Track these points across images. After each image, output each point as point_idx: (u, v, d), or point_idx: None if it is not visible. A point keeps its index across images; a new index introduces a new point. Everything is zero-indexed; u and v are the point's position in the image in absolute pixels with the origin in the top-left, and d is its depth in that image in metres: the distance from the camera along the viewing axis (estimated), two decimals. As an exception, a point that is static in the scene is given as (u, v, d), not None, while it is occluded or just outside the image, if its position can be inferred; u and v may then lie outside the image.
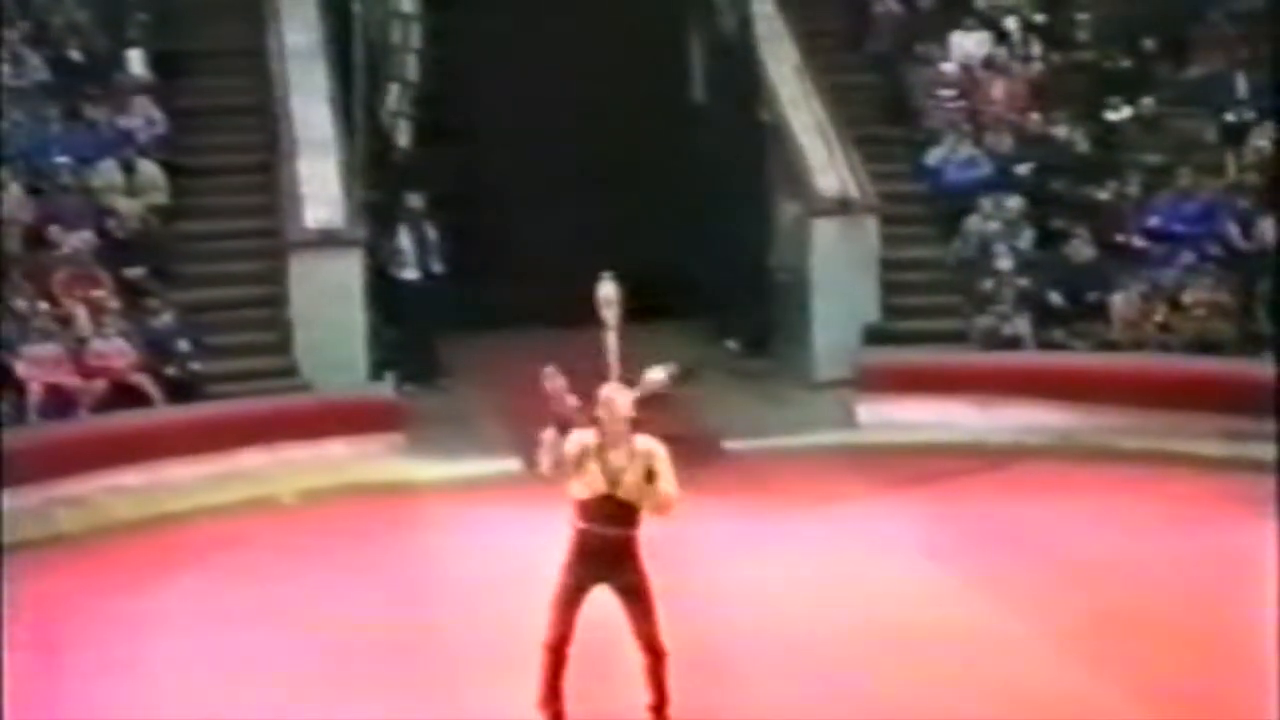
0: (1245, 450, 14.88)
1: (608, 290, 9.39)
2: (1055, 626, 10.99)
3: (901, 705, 9.84)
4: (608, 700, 9.59)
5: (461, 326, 18.43)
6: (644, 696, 9.17)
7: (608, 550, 9.08)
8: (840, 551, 12.82)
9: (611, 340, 9.36)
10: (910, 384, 16.59)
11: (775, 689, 10.10)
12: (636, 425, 9.07)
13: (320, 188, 17.49)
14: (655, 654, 9.17)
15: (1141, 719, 9.61)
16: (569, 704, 9.19)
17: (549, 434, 9.05)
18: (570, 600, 9.15)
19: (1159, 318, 16.93)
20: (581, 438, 9.10)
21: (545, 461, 9.08)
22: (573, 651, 9.13)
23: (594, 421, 9.07)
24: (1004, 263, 17.53)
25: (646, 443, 9.12)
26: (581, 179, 19.77)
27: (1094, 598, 11.50)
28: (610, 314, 9.58)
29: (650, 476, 9.03)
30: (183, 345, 16.16)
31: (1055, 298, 17.37)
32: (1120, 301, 17.14)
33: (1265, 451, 14.64)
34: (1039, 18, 20.76)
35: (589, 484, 9.03)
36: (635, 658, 9.17)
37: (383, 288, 17.63)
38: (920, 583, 12.05)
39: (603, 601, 9.14)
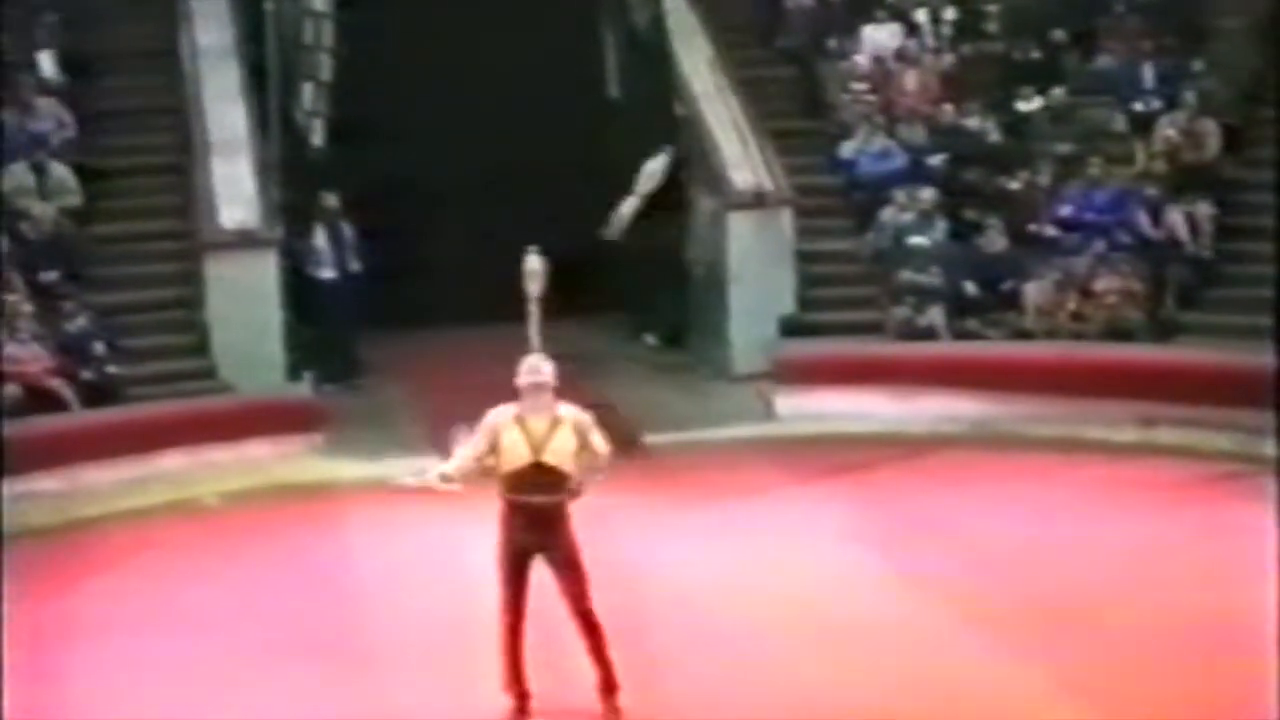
0: (1157, 437, 15.10)
1: (533, 263, 9.49)
2: (973, 613, 11.09)
3: (821, 692, 9.91)
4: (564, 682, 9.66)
5: (379, 325, 18.40)
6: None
7: (539, 519, 9.14)
8: (760, 542, 12.88)
9: (534, 311, 9.46)
10: (827, 375, 16.71)
11: (696, 678, 10.15)
12: (558, 394, 9.16)
13: (235, 188, 17.41)
14: (591, 628, 9.23)
15: (1059, 704, 9.71)
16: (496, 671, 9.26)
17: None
18: (514, 575, 9.21)
19: (1071, 306, 17.07)
20: (495, 414, 9.16)
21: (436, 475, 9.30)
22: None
23: (516, 392, 9.13)
24: (918, 255, 17.67)
25: (570, 410, 9.19)
26: (497, 176, 19.76)
27: (1010, 584, 11.62)
28: (534, 286, 9.70)
29: (583, 445, 9.09)
30: (98, 348, 16.03)
31: (969, 288, 17.50)
32: (1033, 291, 17.29)
33: (1175, 437, 14.89)
34: (949, 10, 20.89)
35: (512, 455, 9.07)
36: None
37: (300, 287, 17.58)
38: (840, 571, 12.15)
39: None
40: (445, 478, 9.35)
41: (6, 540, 13.59)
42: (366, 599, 11.97)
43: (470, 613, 10.87)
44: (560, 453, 9.10)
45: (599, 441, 9.27)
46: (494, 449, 9.17)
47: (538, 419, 9.11)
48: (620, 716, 9.40)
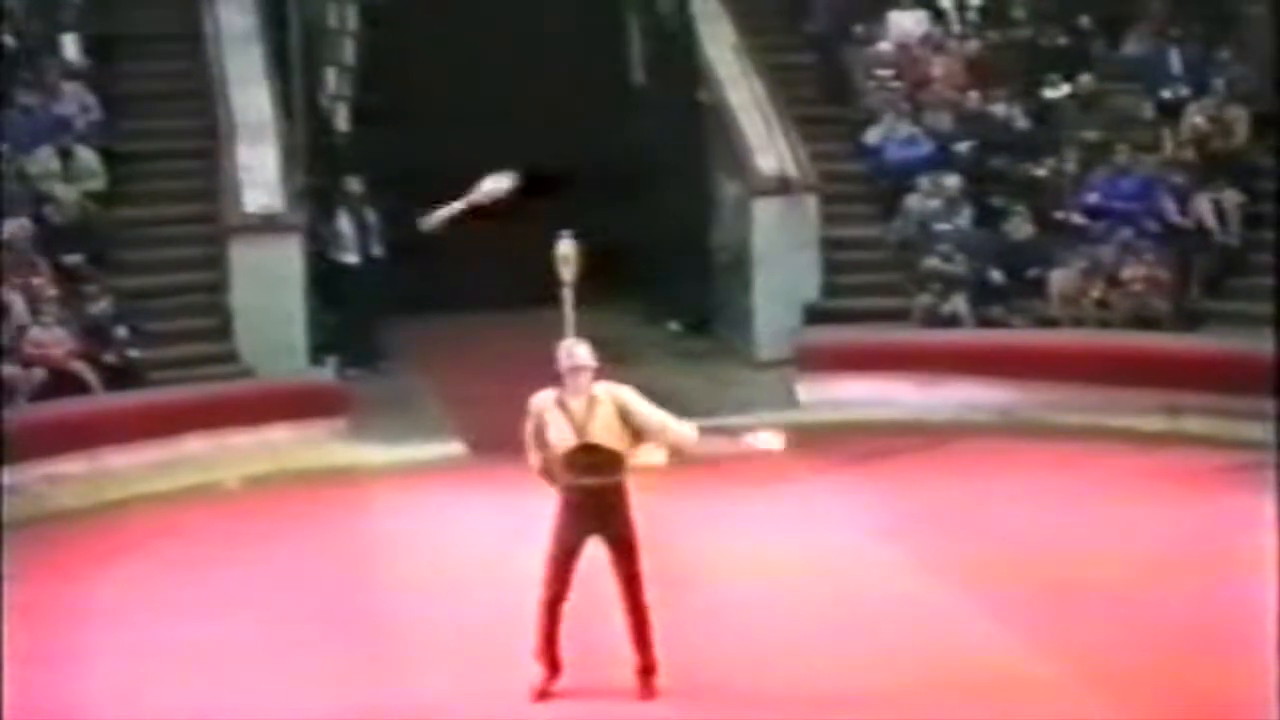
0: (1183, 425, 15.03)
1: (565, 248, 9.46)
2: (996, 602, 11.03)
3: (843, 677, 9.86)
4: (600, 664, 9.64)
5: (402, 310, 18.41)
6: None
7: (595, 501, 9.13)
8: (783, 529, 12.84)
9: (568, 296, 9.46)
10: (851, 363, 16.67)
11: (716, 662, 10.11)
12: (598, 375, 9.15)
13: (259, 173, 17.44)
14: (638, 611, 9.23)
15: (1083, 693, 9.66)
16: (518, 657, 9.25)
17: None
18: (565, 556, 9.19)
19: (1097, 294, 17.02)
20: (537, 400, 9.19)
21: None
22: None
23: (556, 378, 9.13)
24: (943, 241, 17.62)
25: (605, 386, 9.18)
26: (520, 162, 19.70)
27: (1035, 573, 11.55)
28: (567, 271, 9.70)
29: (626, 419, 9.06)
30: (122, 332, 16.06)
31: (994, 275, 17.44)
32: (1059, 278, 17.23)
33: (1202, 426, 14.82)
34: (976, -4, 20.85)
35: (558, 439, 9.10)
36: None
37: (323, 272, 17.60)
38: (862, 559, 12.10)
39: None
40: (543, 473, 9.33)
41: (29, 523, 13.63)
42: (389, 583, 11.95)
43: (494, 595, 10.88)
44: (604, 431, 9.11)
45: (651, 417, 9.23)
46: (541, 435, 9.21)
47: (577, 401, 9.13)
48: (656, 696, 9.39)
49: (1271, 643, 9.39)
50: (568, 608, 9.30)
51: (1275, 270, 16.08)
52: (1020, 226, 17.75)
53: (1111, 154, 18.35)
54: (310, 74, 18.09)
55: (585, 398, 9.14)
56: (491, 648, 10.12)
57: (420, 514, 13.75)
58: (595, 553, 9.35)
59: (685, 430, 9.38)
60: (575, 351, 9.23)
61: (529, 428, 9.30)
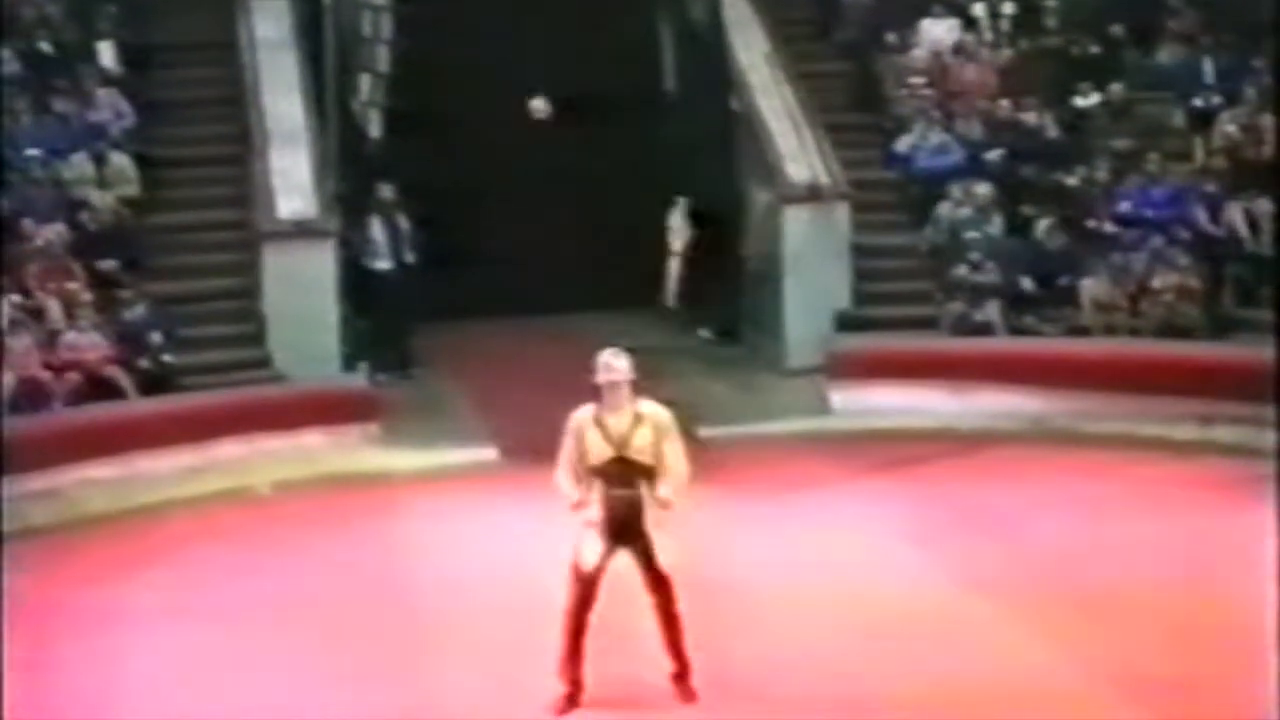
0: (1215, 434, 15.01)
1: (676, 217, 9.40)
2: (1027, 610, 11.05)
3: (872, 684, 9.89)
4: (626, 667, 9.69)
5: (434, 316, 18.45)
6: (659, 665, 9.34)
7: (627, 512, 9.15)
8: (814, 536, 12.85)
9: (674, 265, 9.30)
10: (882, 370, 16.66)
11: (747, 666, 10.15)
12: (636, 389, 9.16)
13: (292, 179, 17.50)
14: (670, 620, 9.25)
15: (1112, 702, 9.67)
16: (552, 661, 9.28)
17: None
18: (593, 572, 9.23)
19: (1129, 302, 17.00)
20: (576, 418, 9.19)
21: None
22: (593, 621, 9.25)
23: (595, 392, 9.13)
24: (974, 249, 17.62)
25: (651, 407, 9.19)
26: (553, 169, 19.78)
27: (1066, 582, 11.56)
28: (677, 242, 9.51)
29: (659, 445, 9.10)
30: (155, 337, 16.13)
31: (1026, 283, 17.43)
32: (1090, 286, 17.21)
33: (1235, 435, 14.77)
34: (1008, 4, 20.81)
35: (595, 452, 9.10)
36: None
37: (356, 278, 17.64)
38: (893, 566, 12.11)
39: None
40: (579, 504, 9.30)
41: (62, 527, 13.72)
42: (420, 587, 12.00)
43: (524, 602, 10.91)
44: (643, 450, 9.13)
45: (675, 456, 9.25)
46: (580, 452, 9.23)
47: (617, 418, 9.14)
48: (694, 698, 9.43)
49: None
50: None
51: (1275, 281, 16.07)
52: (1052, 235, 17.73)
53: (1143, 163, 18.33)
54: (344, 81, 18.12)
55: (629, 415, 9.13)
56: (523, 652, 10.15)
57: (452, 519, 13.79)
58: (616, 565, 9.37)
59: (683, 486, 9.34)
60: (614, 365, 9.20)
61: (568, 444, 9.27)
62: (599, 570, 9.24)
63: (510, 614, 11.00)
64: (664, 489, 9.22)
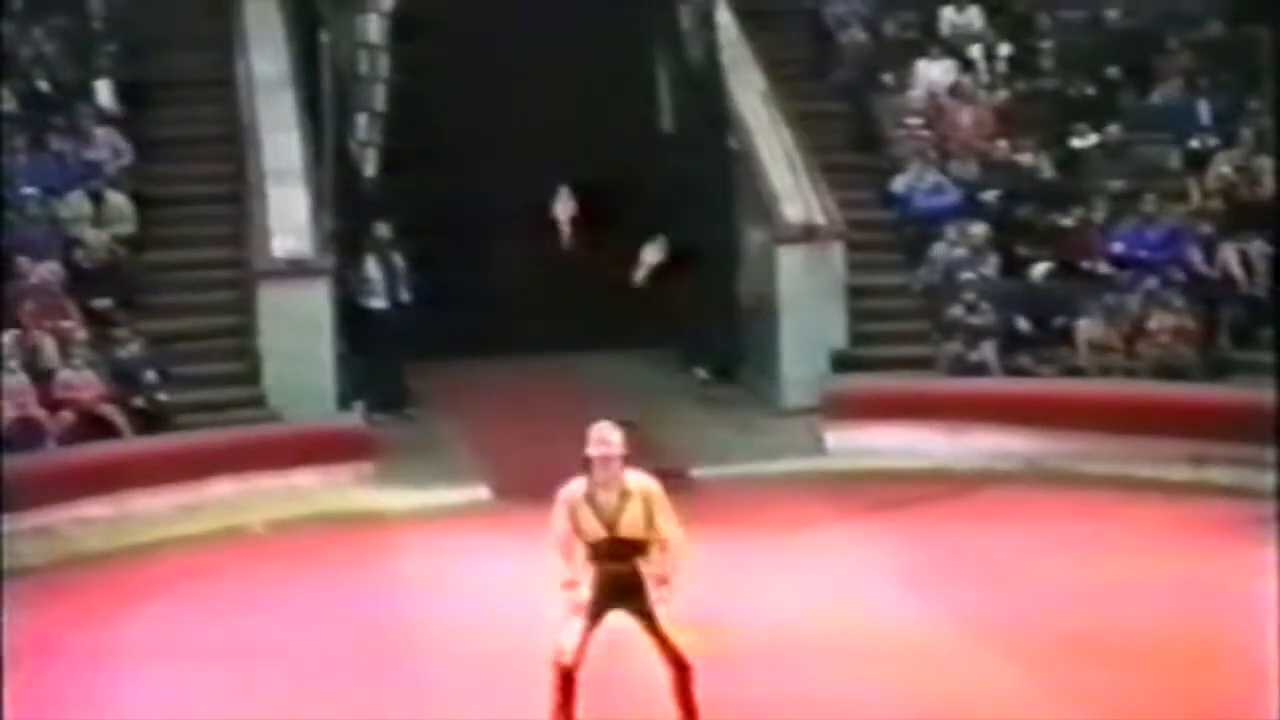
0: (1210, 475, 15.00)
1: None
2: (1022, 651, 11.01)
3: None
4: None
5: (429, 355, 18.44)
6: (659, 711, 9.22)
7: (620, 583, 9.09)
8: (810, 577, 12.82)
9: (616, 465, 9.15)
10: (878, 410, 16.65)
11: (743, 708, 10.10)
12: (626, 461, 9.08)
13: (288, 217, 17.53)
14: (681, 668, 9.17)
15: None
16: (544, 702, 9.20)
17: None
18: (585, 631, 9.11)
19: (1124, 343, 17.01)
20: (565, 493, 9.09)
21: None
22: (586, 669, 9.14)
23: (585, 465, 9.04)
24: (969, 290, 17.64)
25: (639, 480, 9.11)
26: (549, 208, 19.81)
27: (1060, 623, 11.52)
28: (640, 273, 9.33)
29: (650, 518, 9.05)
30: (150, 376, 16.14)
31: (1021, 324, 17.44)
32: (1085, 327, 17.22)
33: (1229, 476, 14.76)
34: (1004, 46, 20.88)
35: (587, 530, 9.04)
36: (645, 673, 9.26)
37: (351, 317, 17.65)
38: (888, 607, 12.08)
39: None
40: (569, 584, 9.23)
41: (57, 565, 13.70)
42: (414, 628, 11.96)
43: (517, 644, 10.86)
44: (632, 525, 9.07)
45: (668, 525, 9.16)
46: (573, 524, 9.11)
47: (607, 494, 9.02)
48: None
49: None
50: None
51: (1274, 322, 16.09)
52: (1048, 279, 17.74)
53: (1139, 203, 18.37)
54: (341, 120, 18.16)
55: (617, 491, 9.04)
56: (513, 695, 10.12)
57: (446, 558, 13.77)
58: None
59: (684, 550, 9.25)
60: (608, 439, 9.06)
61: (560, 516, 9.12)
62: (576, 663, 9.14)
63: (503, 655, 10.96)
64: (661, 565, 9.13)
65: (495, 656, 11.05)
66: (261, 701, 10.59)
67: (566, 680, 9.14)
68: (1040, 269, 17.84)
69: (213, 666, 11.21)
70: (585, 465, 9.04)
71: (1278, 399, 14.47)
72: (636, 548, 9.10)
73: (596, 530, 9.04)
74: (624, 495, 9.04)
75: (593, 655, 9.13)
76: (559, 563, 9.19)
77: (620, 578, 9.11)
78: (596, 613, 9.18)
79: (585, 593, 9.13)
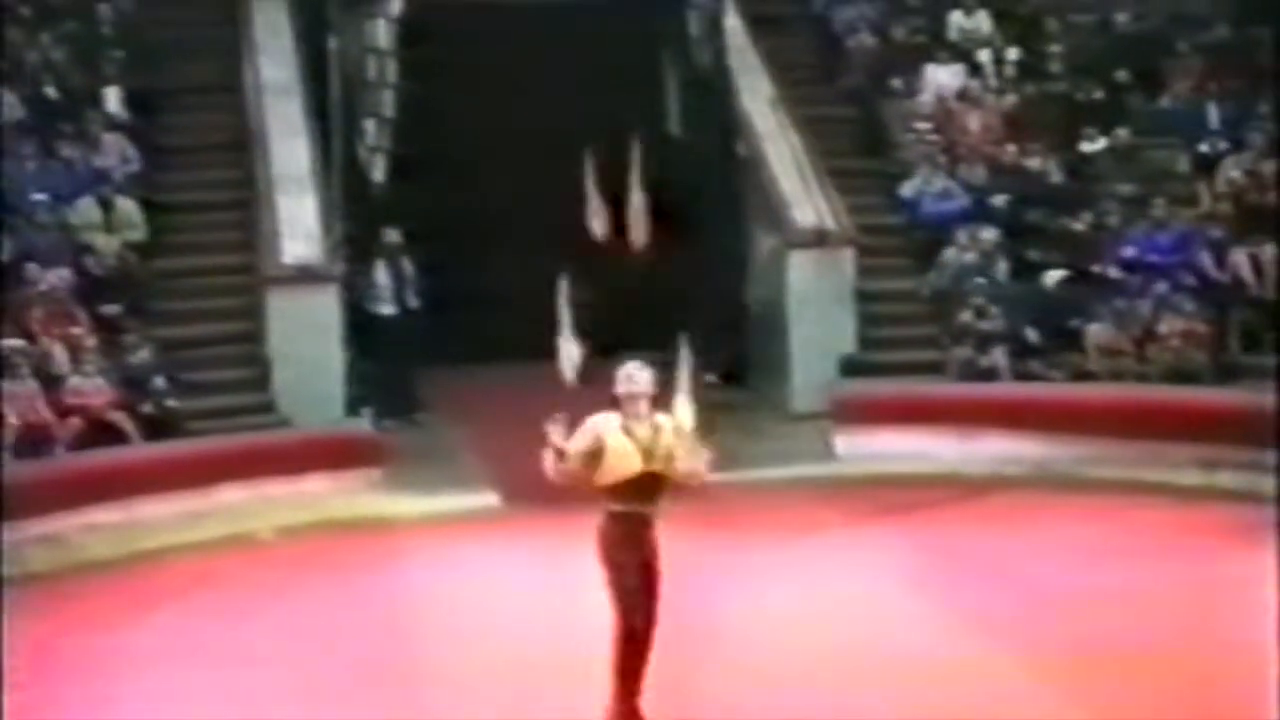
0: (1220, 479, 14.97)
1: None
2: (1033, 656, 10.99)
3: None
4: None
5: (438, 361, 18.45)
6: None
7: (645, 526, 9.00)
8: (820, 583, 12.80)
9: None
10: (888, 415, 16.63)
11: (752, 717, 10.10)
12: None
13: (297, 224, 17.54)
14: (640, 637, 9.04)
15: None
16: (554, 708, 9.14)
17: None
18: (645, 585, 8.97)
19: (1134, 348, 16.99)
20: (597, 421, 8.99)
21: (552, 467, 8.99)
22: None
23: (613, 401, 9.00)
24: (979, 295, 17.62)
25: (664, 417, 9.08)
26: (557, 214, 19.76)
27: (1071, 628, 11.50)
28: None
29: (678, 452, 8.99)
30: (160, 382, 16.14)
31: (1031, 329, 17.42)
32: (1095, 332, 17.20)
33: (1239, 481, 14.74)
34: (1012, 50, 20.87)
35: (620, 464, 8.90)
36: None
37: (360, 323, 17.66)
38: (897, 612, 12.05)
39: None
40: (561, 453, 8.97)
41: (64, 572, 13.70)
42: (424, 633, 11.95)
43: (528, 648, 10.88)
44: (667, 460, 9.00)
45: (690, 448, 9.13)
46: (596, 458, 8.97)
47: (641, 427, 8.99)
48: None
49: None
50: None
51: (1275, 325, 16.06)
52: (1060, 287, 17.71)
53: (1148, 208, 18.34)
54: (349, 126, 18.18)
55: (649, 424, 9.03)
56: (525, 701, 10.11)
57: (455, 564, 13.76)
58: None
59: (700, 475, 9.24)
60: (636, 376, 9.01)
61: (581, 443, 8.93)
62: (654, 587, 8.96)
63: (514, 659, 10.96)
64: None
65: (505, 662, 11.04)
66: (270, 708, 10.58)
67: (638, 646, 8.95)
68: (1054, 276, 17.77)
69: (221, 672, 11.21)
70: (613, 403, 8.98)
71: (1278, 402, 14.45)
72: (664, 488, 9.01)
73: (631, 463, 8.90)
74: (656, 429, 8.98)
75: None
76: (564, 470, 8.96)
77: (647, 521, 8.98)
78: (638, 560, 8.97)
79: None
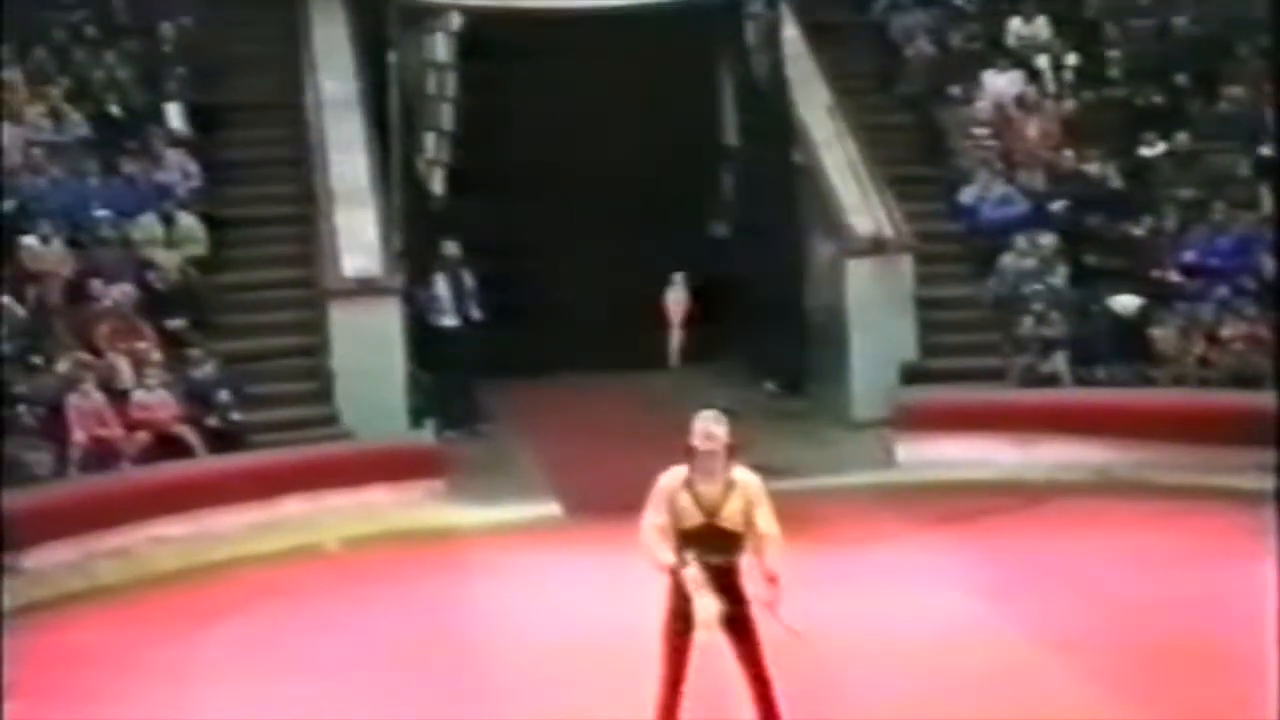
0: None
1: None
2: (1097, 663, 10.98)
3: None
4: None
5: (499, 372, 18.53)
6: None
7: (715, 579, 8.93)
8: (882, 591, 12.79)
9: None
10: (948, 422, 16.59)
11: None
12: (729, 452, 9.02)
13: (358, 237, 17.64)
14: (762, 682, 9.12)
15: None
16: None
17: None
18: (681, 636, 9.00)
19: (1198, 352, 16.92)
20: (666, 479, 8.96)
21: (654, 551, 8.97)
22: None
23: (687, 453, 9.00)
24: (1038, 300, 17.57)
25: (743, 474, 9.06)
26: (617, 224, 19.85)
27: (1136, 634, 11.47)
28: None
29: (750, 513, 8.93)
30: (224, 395, 16.26)
31: (1092, 334, 17.36)
32: (1158, 337, 17.14)
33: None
34: (1070, 56, 20.80)
35: (683, 516, 8.88)
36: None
37: (421, 335, 17.74)
38: (959, 619, 12.04)
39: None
40: (677, 564, 8.98)
41: (132, 585, 13.83)
42: (488, 644, 12.01)
43: (592, 656, 10.92)
44: (733, 517, 8.98)
45: (765, 517, 9.05)
46: (670, 509, 8.95)
47: (709, 484, 8.90)
48: None
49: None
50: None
51: (1275, 327, 16.00)
52: (1117, 285, 17.65)
53: (1209, 212, 18.26)
54: (409, 139, 18.29)
55: (721, 482, 8.96)
56: (590, 709, 10.15)
57: (518, 574, 13.80)
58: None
59: (778, 548, 9.07)
60: (713, 431, 8.90)
61: (659, 500, 8.91)
62: (688, 645, 8.92)
63: (577, 670, 11.01)
64: (769, 559, 8.94)
65: (569, 671, 11.09)
66: (337, 717, 10.65)
67: (672, 693, 8.98)
68: (1127, 304, 17.54)
69: (288, 684, 11.29)
70: (687, 454, 8.99)
71: (1278, 404, 14.39)
72: (733, 541, 9.02)
73: (695, 516, 8.89)
74: (728, 485, 8.95)
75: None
76: (660, 547, 8.93)
77: (713, 572, 8.97)
78: (689, 619, 8.92)
79: (694, 570, 8.88)
